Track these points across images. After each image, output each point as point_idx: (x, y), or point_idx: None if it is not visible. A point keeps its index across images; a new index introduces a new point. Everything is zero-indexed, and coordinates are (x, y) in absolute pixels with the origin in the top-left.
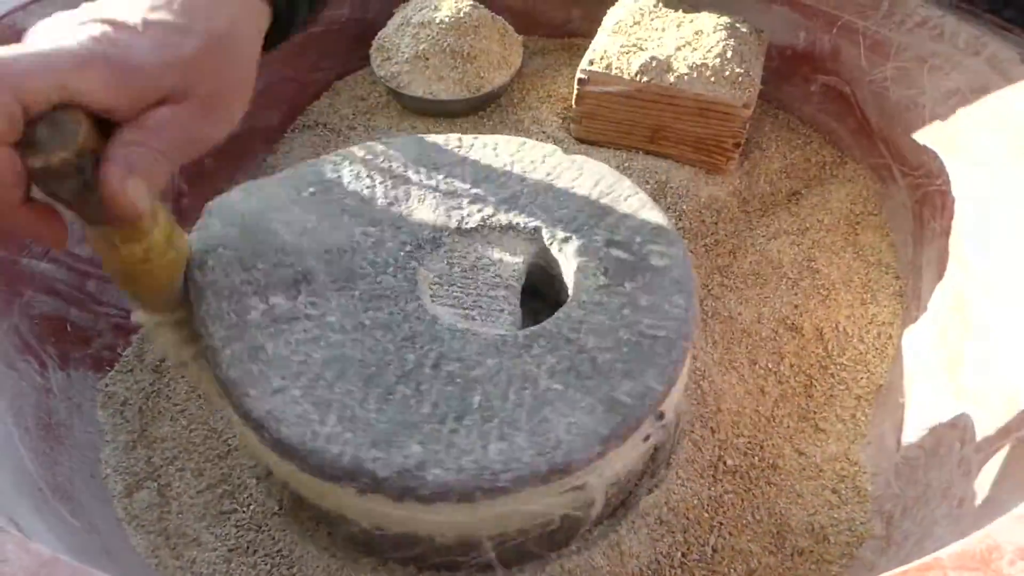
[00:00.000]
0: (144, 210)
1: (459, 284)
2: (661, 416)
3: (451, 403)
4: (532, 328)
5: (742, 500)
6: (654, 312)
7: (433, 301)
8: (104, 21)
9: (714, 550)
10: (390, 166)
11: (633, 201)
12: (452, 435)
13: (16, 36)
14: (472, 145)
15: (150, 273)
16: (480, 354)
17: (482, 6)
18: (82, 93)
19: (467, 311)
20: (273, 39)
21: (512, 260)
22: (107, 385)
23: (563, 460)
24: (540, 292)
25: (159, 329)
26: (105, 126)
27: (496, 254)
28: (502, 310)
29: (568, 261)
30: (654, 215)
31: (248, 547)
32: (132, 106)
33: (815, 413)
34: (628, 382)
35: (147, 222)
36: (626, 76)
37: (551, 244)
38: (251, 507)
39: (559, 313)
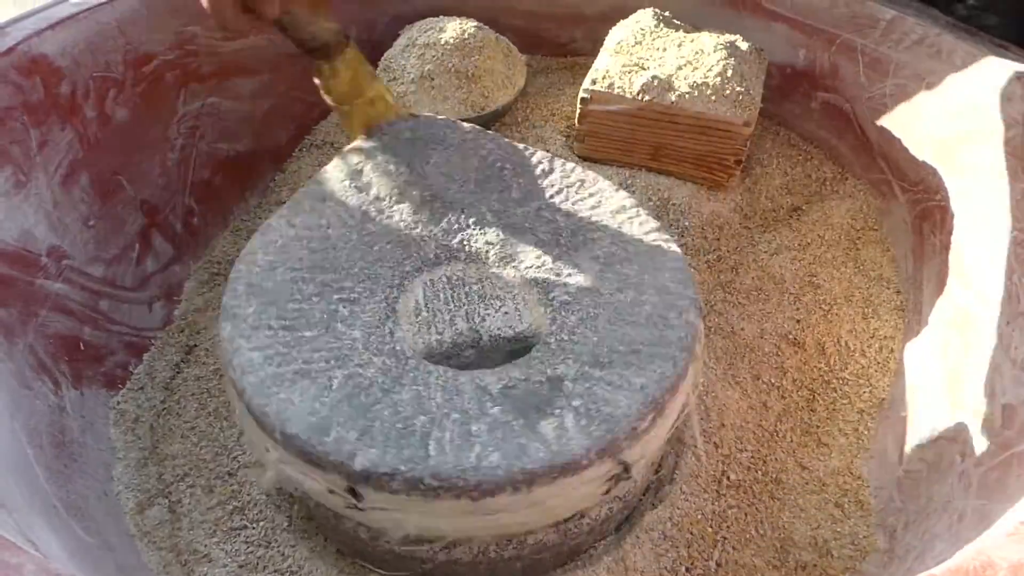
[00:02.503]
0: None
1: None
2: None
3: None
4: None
5: (746, 515)
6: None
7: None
8: None
9: (718, 564)
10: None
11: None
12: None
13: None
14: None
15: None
16: None
17: (486, 27)
18: None
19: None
20: None
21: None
22: (119, 403)
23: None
24: None
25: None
26: None
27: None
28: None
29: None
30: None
31: (258, 563)
32: None
33: (818, 427)
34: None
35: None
36: (628, 95)
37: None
38: (261, 523)
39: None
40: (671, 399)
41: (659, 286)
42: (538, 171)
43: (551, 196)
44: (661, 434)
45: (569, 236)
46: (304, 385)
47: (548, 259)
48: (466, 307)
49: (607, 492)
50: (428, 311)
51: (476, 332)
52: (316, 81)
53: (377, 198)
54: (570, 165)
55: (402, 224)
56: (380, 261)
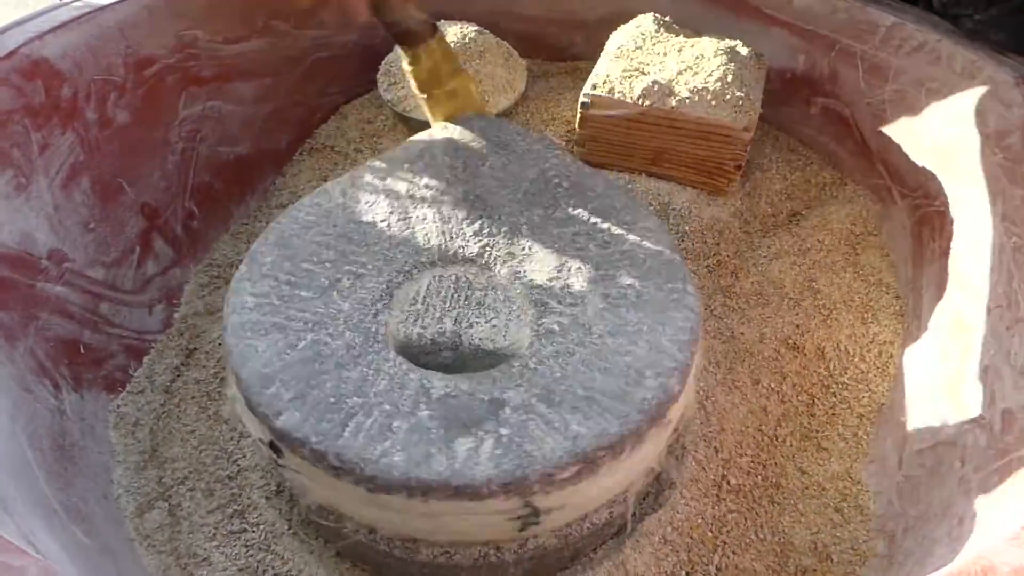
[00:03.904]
0: None
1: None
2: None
3: None
4: None
5: (745, 519)
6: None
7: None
8: None
9: (718, 569)
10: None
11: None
12: None
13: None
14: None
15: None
16: None
17: (487, 31)
18: None
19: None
20: None
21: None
22: (119, 406)
23: None
24: None
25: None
26: None
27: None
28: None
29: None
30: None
31: (258, 567)
32: None
33: (817, 432)
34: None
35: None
36: (628, 100)
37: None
38: (261, 527)
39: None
40: (609, 457)
41: (654, 340)
42: (592, 195)
43: (594, 223)
44: (594, 490)
45: (592, 268)
46: (274, 338)
47: (559, 285)
48: (459, 310)
49: (521, 530)
50: (423, 304)
51: (458, 336)
52: (404, 67)
53: (426, 186)
54: (633, 202)
55: (438, 217)
56: (402, 246)
